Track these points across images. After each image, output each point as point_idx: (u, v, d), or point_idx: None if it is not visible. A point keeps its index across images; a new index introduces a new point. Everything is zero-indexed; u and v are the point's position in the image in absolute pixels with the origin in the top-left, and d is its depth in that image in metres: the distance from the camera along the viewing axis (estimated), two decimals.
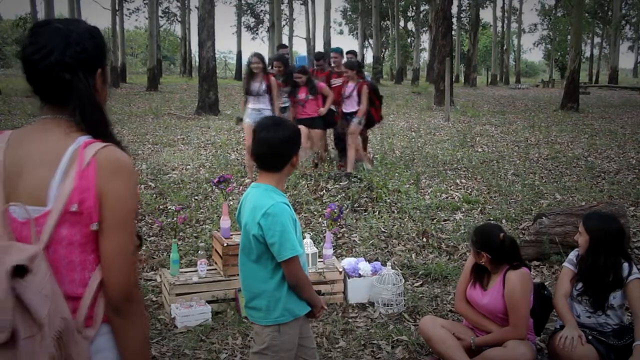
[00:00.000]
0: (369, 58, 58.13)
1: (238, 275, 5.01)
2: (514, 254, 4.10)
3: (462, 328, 4.26)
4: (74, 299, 1.79)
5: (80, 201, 1.75)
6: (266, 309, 3.01)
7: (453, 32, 36.47)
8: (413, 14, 62.03)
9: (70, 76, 1.80)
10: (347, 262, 5.50)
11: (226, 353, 4.39)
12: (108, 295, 1.83)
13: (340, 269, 5.34)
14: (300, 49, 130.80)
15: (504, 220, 7.51)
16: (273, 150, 3.00)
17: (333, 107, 10.18)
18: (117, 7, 42.39)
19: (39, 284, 1.66)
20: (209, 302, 4.99)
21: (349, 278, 5.30)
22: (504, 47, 61.25)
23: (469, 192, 9.10)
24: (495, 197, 8.84)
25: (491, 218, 7.62)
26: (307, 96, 9.86)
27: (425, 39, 64.12)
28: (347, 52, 11.43)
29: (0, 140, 1.86)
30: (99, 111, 1.87)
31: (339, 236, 6.76)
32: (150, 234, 6.92)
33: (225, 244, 5.15)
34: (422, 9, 59.71)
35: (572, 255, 4.28)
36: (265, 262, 2.98)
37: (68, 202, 1.75)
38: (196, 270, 5.21)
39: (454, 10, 39.05)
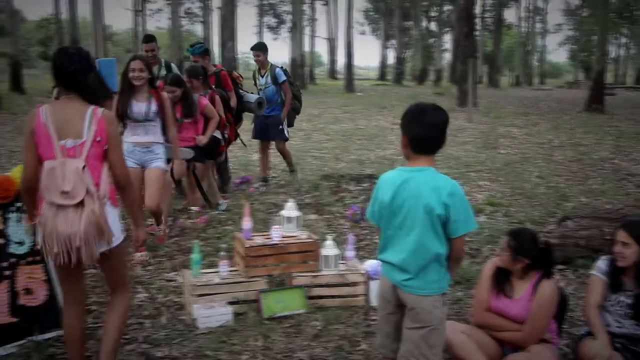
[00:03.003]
0: (390, 59, 57.98)
1: (259, 276, 5.04)
2: (551, 261, 4.01)
3: (483, 335, 4.16)
4: (97, 184, 3.47)
5: (100, 135, 3.51)
6: (437, 280, 3.24)
7: (476, 33, 36.26)
8: (436, 14, 61.79)
9: (82, 76, 3.57)
10: (370, 264, 5.45)
11: (247, 355, 4.36)
12: (116, 180, 3.63)
13: (363, 271, 5.30)
14: (321, 49, 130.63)
15: (528, 223, 7.42)
16: (439, 132, 3.19)
17: (217, 134, 7.91)
18: (139, 8, 42.62)
19: (88, 175, 3.40)
20: (230, 303, 4.97)
21: (371, 280, 5.26)
22: (528, 48, 60.83)
23: (492, 194, 9.02)
24: (519, 199, 8.75)
25: (515, 221, 7.53)
26: (181, 118, 7.22)
27: (447, 40, 63.81)
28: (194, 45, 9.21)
29: (46, 108, 3.53)
30: (95, 93, 3.64)
31: (361, 238, 6.71)
32: (172, 234, 6.92)
33: (247, 245, 5.13)
34: (445, 9, 59.45)
35: (602, 263, 4.14)
36: (440, 237, 3.18)
37: (94, 136, 3.50)
38: (218, 272, 5.20)
39: (477, 10, 38.83)
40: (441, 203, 3.11)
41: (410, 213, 3.18)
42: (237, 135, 9.00)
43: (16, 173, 4.54)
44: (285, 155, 9.95)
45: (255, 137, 9.78)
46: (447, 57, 60.25)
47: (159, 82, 6.74)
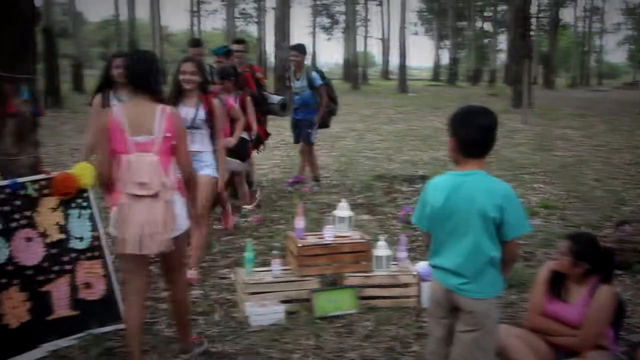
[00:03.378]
0: (444, 59, 57.54)
1: (312, 275, 5.07)
2: (612, 266, 3.94)
3: (537, 339, 4.10)
4: (166, 176, 3.77)
5: (169, 131, 3.79)
6: (492, 283, 3.24)
7: (532, 33, 35.70)
8: (490, 14, 61.06)
9: (152, 78, 3.90)
10: (422, 265, 5.43)
11: (299, 354, 4.40)
12: (182, 171, 3.95)
13: (415, 273, 5.29)
14: (374, 49, 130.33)
15: (583, 227, 7.29)
16: (489, 135, 3.19)
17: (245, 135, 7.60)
18: (195, 9, 43.22)
19: (160, 167, 3.72)
20: (282, 302, 5.02)
21: (423, 282, 5.24)
22: (585, 48, 59.63)
23: (547, 196, 8.89)
24: (574, 202, 8.60)
25: (571, 224, 7.42)
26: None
27: (502, 40, 62.95)
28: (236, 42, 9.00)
29: (119, 108, 4.02)
30: (161, 93, 4.01)
31: (413, 239, 6.70)
32: (225, 232, 7.01)
33: (300, 245, 5.18)
34: (499, 9, 58.69)
35: None
36: (494, 240, 3.17)
37: (164, 131, 3.78)
38: (270, 270, 5.25)
39: (533, 9, 38.18)
40: (495, 206, 3.10)
41: (464, 217, 3.18)
42: (267, 135, 8.94)
43: (78, 170, 4.67)
44: (308, 159, 9.43)
45: (295, 141, 9.50)
46: (502, 57, 59.49)
47: (211, 87, 6.39)
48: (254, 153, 8.51)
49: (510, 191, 3.19)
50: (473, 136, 3.16)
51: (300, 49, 9.38)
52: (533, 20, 40.73)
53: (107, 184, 3.87)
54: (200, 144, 5.66)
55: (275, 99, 8.84)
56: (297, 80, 9.20)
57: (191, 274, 5.38)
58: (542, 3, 54.54)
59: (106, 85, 5.66)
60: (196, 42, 8.72)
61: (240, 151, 7.43)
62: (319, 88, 8.99)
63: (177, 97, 5.67)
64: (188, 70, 5.64)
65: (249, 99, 7.70)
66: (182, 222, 3.92)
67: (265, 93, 8.77)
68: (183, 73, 5.65)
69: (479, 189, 3.15)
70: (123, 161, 3.71)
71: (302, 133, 9.22)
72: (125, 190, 3.69)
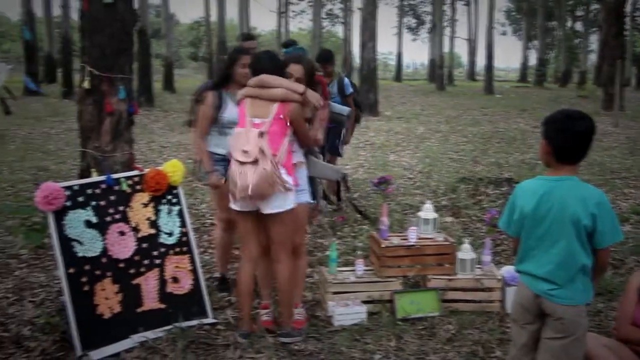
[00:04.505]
0: (532, 60, 56.22)
1: (394, 277, 5.07)
2: None
3: (627, 350, 3.97)
4: (274, 153, 4.20)
5: (281, 114, 4.28)
6: (583, 290, 3.20)
7: (625, 32, 34.46)
8: (582, 13, 59.29)
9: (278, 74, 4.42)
10: (506, 269, 5.35)
11: (380, 354, 4.41)
12: (305, 145, 4.56)
13: (499, 277, 5.22)
14: (460, 50, 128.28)
15: None
16: (586, 142, 3.14)
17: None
18: (283, 10, 43.72)
19: (266, 142, 4.19)
20: (364, 302, 5.04)
21: (507, 286, 5.17)
22: None
23: (638, 202, 8.58)
24: None
25: None
26: None
27: (594, 40, 61.00)
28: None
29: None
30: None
31: (498, 243, 6.60)
32: (309, 231, 7.07)
33: (383, 245, 5.18)
34: (592, 8, 56.90)
35: None
36: (586, 248, 3.14)
37: (276, 114, 4.27)
38: (353, 270, 5.28)
39: (627, 8, 36.83)
40: (588, 213, 3.06)
41: (555, 224, 3.13)
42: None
43: (167, 167, 4.82)
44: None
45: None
46: (592, 58, 57.66)
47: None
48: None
49: (604, 199, 3.14)
50: (570, 143, 3.13)
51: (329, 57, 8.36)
52: (627, 19, 39.37)
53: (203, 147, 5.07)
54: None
55: (344, 109, 7.07)
56: (327, 85, 8.16)
57: (298, 314, 4.75)
58: (637, 1, 52.58)
59: (225, 82, 5.17)
60: (248, 36, 8.62)
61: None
62: (349, 97, 8.18)
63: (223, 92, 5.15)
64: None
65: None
66: (287, 198, 4.33)
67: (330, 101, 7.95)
68: (243, 66, 5.00)
69: (572, 195, 3.11)
70: (235, 132, 4.37)
71: (328, 144, 7.68)
72: (234, 157, 4.26)
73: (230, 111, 5.01)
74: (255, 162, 4.16)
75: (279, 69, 4.47)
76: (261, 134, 4.21)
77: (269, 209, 4.32)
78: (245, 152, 4.18)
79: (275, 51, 4.76)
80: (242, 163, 4.20)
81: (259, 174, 4.14)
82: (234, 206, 4.44)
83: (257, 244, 4.58)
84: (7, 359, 4.23)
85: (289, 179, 4.32)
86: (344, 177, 5.37)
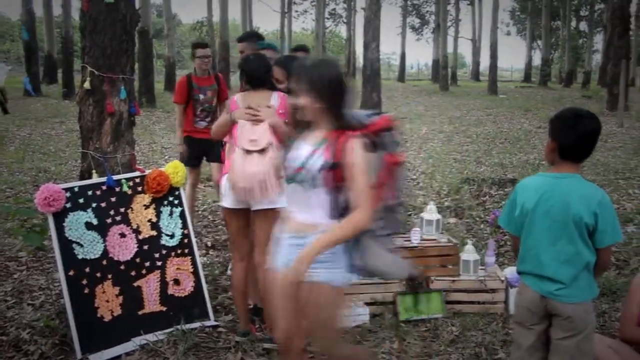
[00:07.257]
0: (536, 60, 56.18)
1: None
2: None
3: (631, 352, 3.94)
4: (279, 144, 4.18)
5: (282, 108, 4.32)
6: (588, 287, 3.18)
7: (630, 32, 34.39)
8: (587, 13, 59.15)
9: (267, 75, 4.44)
10: (510, 271, 5.32)
11: (383, 357, 4.37)
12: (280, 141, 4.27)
13: (503, 278, 5.19)
14: (464, 50, 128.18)
15: None
16: (591, 141, 3.14)
17: None
18: (286, 10, 43.72)
19: (271, 133, 4.23)
20: (367, 304, 5.00)
21: (510, 288, 5.13)
22: None
23: None
24: None
25: None
26: None
27: (598, 40, 60.86)
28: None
29: (240, 96, 4.44)
30: (273, 84, 4.50)
31: (501, 244, 6.56)
32: None
33: None
34: (596, 7, 56.78)
35: None
36: (589, 246, 3.12)
37: (278, 109, 4.33)
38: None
39: (632, 8, 36.74)
40: (591, 212, 3.03)
41: (557, 221, 3.10)
42: None
43: (169, 169, 4.79)
44: None
45: None
46: (597, 58, 57.50)
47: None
48: None
49: (606, 198, 3.11)
50: (575, 141, 3.11)
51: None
52: (632, 19, 39.25)
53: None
54: (311, 212, 3.12)
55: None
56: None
57: None
58: None
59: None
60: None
61: None
62: None
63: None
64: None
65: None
66: (279, 198, 4.10)
67: None
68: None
69: (574, 193, 3.08)
70: (240, 125, 4.30)
71: None
72: (240, 146, 4.23)
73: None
74: (263, 150, 4.18)
75: (267, 71, 4.50)
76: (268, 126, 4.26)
77: (259, 205, 4.26)
78: (253, 140, 4.20)
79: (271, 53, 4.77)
80: (248, 152, 4.19)
81: (266, 163, 4.14)
82: (225, 203, 4.42)
83: (248, 244, 4.52)
84: None
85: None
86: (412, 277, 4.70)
